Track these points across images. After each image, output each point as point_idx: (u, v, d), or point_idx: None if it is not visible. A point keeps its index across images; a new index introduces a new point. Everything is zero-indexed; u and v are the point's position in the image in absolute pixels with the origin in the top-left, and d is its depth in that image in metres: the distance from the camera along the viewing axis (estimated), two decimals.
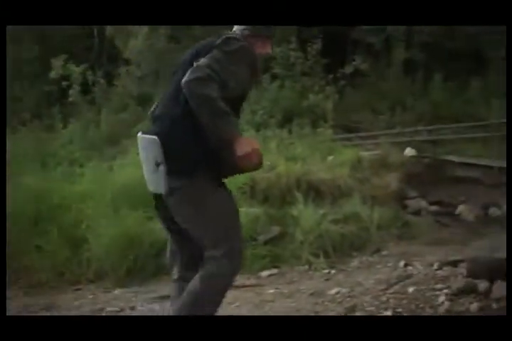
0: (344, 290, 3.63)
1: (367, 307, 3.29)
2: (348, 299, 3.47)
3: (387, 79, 9.35)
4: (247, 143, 2.24)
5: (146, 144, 2.39)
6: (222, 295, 2.40)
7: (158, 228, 4.54)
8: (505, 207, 5.95)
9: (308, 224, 4.62)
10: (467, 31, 9.24)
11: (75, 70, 8.68)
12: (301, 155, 6.05)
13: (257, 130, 6.96)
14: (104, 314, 3.69)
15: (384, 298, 3.36)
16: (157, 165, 2.31)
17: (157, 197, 2.44)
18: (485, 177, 6.59)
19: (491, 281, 3.21)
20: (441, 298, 3.21)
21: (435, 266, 3.85)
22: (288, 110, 8.00)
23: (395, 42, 9.32)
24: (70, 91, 8.67)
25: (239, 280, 4.06)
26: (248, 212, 4.62)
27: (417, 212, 5.88)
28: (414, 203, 6.03)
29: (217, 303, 2.40)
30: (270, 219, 4.82)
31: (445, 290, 3.29)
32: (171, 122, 2.35)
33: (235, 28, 2.52)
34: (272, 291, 3.89)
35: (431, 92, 8.88)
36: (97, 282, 4.39)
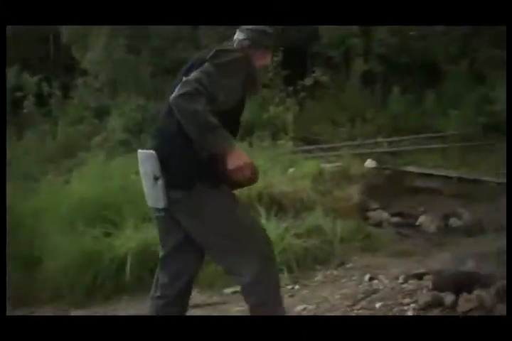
0: (310, 307, 3.56)
1: None
2: None
3: (346, 91, 9.42)
4: (238, 156, 2.23)
5: (144, 159, 2.40)
6: (277, 294, 2.47)
7: (117, 245, 4.40)
8: (465, 216, 6.05)
9: (271, 239, 4.54)
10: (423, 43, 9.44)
11: (30, 81, 8.46)
12: (262, 167, 5.99)
13: None
14: None
15: (352, 315, 3.30)
16: (156, 179, 2.33)
17: (160, 210, 2.41)
18: (444, 188, 6.68)
19: (457, 294, 3.19)
20: (409, 313, 3.17)
21: (400, 280, 3.81)
22: (249, 122, 7.93)
23: (354, 54, 9.41)
24: (25, 103, 8.43)
25: (201, 298, 3.98)
26: None
27: (378, 224, 5.88)
28: (375, 215, 6.04)
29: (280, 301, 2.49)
30: None
31: (412, 305, 3.26)
32: (167, 137, 2.36)
33: (235, 37, 2.50)
34: (237, 309, 3.78)
35: (390, 104, 8.99)
36: (54, 303, 4.21)
